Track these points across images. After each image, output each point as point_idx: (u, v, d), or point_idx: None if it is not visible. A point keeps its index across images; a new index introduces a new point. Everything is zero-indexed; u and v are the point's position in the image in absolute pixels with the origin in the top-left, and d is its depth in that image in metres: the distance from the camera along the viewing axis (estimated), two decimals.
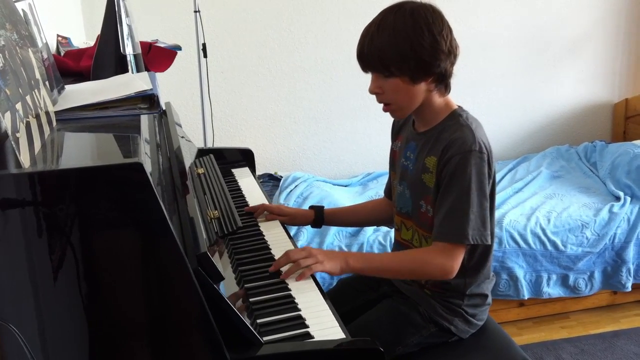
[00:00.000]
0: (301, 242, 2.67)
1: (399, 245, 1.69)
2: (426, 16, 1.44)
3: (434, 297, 1.59)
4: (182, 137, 1.78)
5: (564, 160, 3.60)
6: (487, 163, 1.46)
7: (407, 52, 1.43)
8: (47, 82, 1.35)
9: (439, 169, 1.48)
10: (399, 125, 1.72)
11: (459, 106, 1.55)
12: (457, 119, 1.51)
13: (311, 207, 1.87)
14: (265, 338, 1.17)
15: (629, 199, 2.97)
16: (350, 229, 2.75)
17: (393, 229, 1.75)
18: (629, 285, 2.89)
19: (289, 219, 1.84)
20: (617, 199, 3.00)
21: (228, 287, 1.29)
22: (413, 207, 1.58)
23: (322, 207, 1.88)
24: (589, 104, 3.98)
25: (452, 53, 1.47)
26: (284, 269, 1.44)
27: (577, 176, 3.39)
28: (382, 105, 1.54)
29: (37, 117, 1.14)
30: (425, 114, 1.55)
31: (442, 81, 1.50)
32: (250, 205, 1.88)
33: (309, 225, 1.88)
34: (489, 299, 1.62)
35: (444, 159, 1.46)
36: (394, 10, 1.46)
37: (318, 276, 1.47)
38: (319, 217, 1.85)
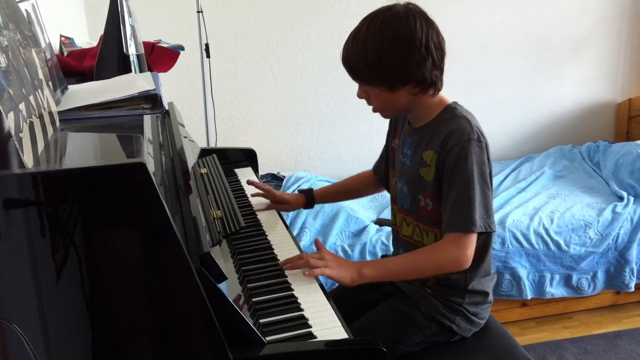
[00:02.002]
0: (304, 242, 2.68)
1: (399, 242, 1.69)
2: (395, 26, 1.43)
3: (435, 296, 1.59)
4: (185, 137, 1.78)
5: (567, 160, 3.59)
6: (486, 151, 1.47)
7: (375, 65, 1.45)
8: (50, 82, 1.36)
9: (440, 162, 1.48)
10: (396, 123, 1.73)
11: (453, 101, 1.56)
12: (452, 112, 1.52)
13: (300, 191, 1.96)
14: (268, 338, 1.18)
15: (632, 199, 2.97)
16: (352, 229, 2.76)
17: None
18: (632, 285, 2.89)
19: (288, 206, 1.95)
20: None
21: (231, 287, 1.29)
22: (412, 202, 1.59)
23: (311, 189, 1.96)
24: (592, 103, 3.97)
25: (430, 58, 1.45)
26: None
27: (580, 176, 3.39)
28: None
29: (41, 117, 1.14)
30: (417, 113, 1.57)
31: (427, 85, 1.49)
32: (254, 207, 1.93)
33: (303, 208, 1.99)
34: (490, 297, 1.62)
35: (445, 151, 1.47)
36: (369, 21, 1.47)
37: (321, 276, 1.47)
38: (310, 199, 1.95)
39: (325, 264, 1.45)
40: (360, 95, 1.56)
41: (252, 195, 1.98)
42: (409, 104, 1.53)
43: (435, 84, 1.50)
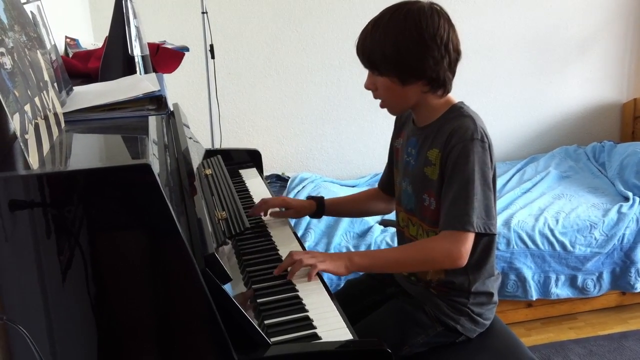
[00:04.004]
0: (308, 242, 2.68)
1: (405, 242, 1.68)
2: (420, 20, 1.43)
3: (440, 297, 1.58)
4: (190, 138, 1.78)
5: (572, 161, 3.59)
6: (489, 152, 1.47)
7: (393, 55, 1.45)
8: (55, 84, 1.36)
9: (443, 160, 1.48)
10: (401, 122, 1.72)
11: (459, 101, 1.56)
12: (458, 111, 1.52)
13: (310, 198, 1.88)
14: (272, 339, 1.18)
15: (637, 199, 2.96)
16: (357, 230, 2.76)
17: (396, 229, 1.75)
18: (638, 286, 2.88)
19: (294, 212, 1.86)
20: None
21: (236, 288, 1.29)
22: (416, 202, 1.59)
23: (322, 197, 1.89)
24: (598, 104, 3.96)
25: (448, 58, 1.46)
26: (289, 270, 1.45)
27: (586, 176, 3.38)
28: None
29: (46, 118, 1.15)
30: (423, 112, 1.57)
31: (438, 85, 1.49)
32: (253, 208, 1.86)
33: (310, 217, 1.91)
34: (495, 298, 1.62)
35: (447, 148, 1.47)
36: (392, 11, 1.47)
37: (325, 277, 1.47)
38: (320, 207, 1.87)
39: (317, 259, 1.44)
40: (367, 86, 1.55)
41: (271, 215, 1.85)
42: (417, 101, 1.53)
43: (445, 85, 1.50)
